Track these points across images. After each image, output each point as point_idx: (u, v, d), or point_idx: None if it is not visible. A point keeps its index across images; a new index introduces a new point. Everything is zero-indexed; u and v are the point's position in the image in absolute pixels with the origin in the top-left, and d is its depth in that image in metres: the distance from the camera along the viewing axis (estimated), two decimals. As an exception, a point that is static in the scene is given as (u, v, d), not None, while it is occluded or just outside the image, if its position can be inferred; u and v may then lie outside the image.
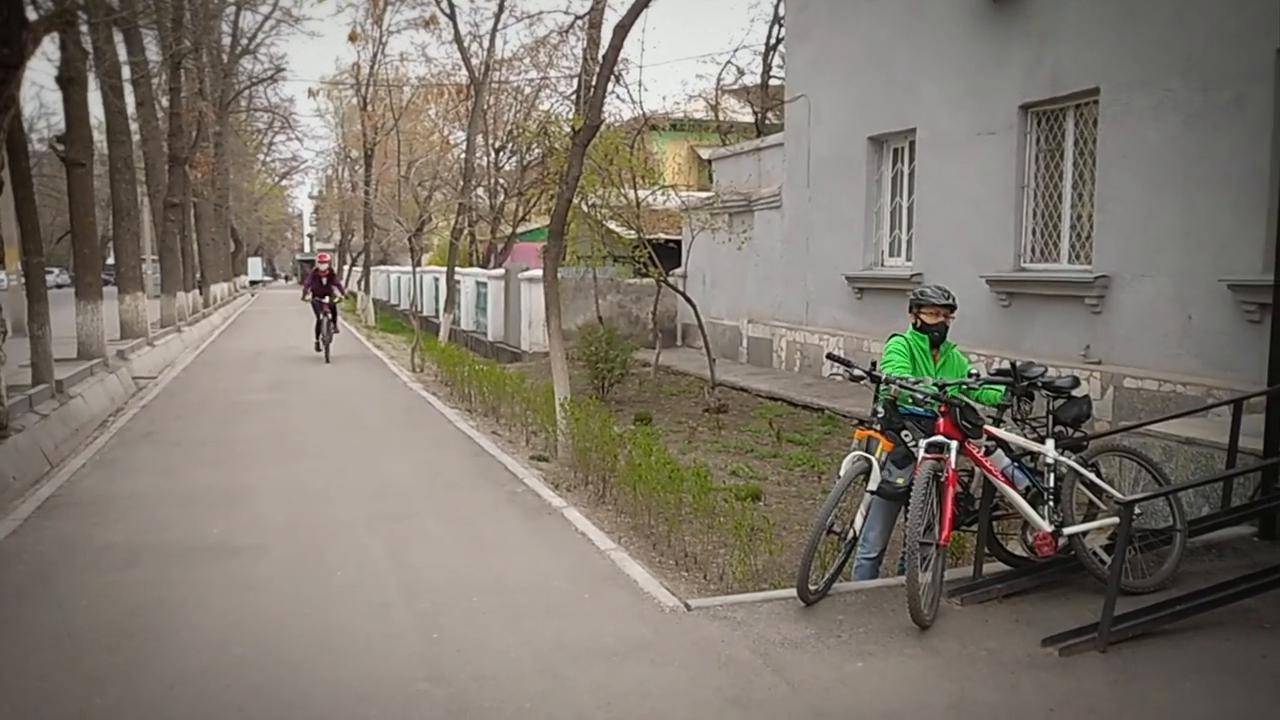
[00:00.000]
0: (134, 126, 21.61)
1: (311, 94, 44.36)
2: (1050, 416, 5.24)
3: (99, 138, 19.86)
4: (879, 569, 5.59)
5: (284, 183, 61.47)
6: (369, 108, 29.14)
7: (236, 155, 41.20)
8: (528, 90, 28.43)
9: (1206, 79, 8.44)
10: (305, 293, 19.42)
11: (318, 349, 18.73)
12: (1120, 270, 9.22)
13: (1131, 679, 4.18)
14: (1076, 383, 5.36)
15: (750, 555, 5.80)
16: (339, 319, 19.57)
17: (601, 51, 10.35)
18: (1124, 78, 9.21)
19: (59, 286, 32.30)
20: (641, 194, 15.03)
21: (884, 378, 5.17)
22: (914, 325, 5.53)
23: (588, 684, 4.23)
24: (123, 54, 19.20)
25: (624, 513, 7.32)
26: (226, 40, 32.12)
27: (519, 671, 4.37)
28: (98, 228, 17.19)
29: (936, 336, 5.46)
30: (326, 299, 18.75)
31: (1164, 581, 5.01)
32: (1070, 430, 5.24)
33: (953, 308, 5.45)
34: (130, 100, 20.72)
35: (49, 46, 14.48)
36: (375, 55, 27.83)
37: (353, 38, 26.23)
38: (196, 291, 30.15)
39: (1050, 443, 5.13)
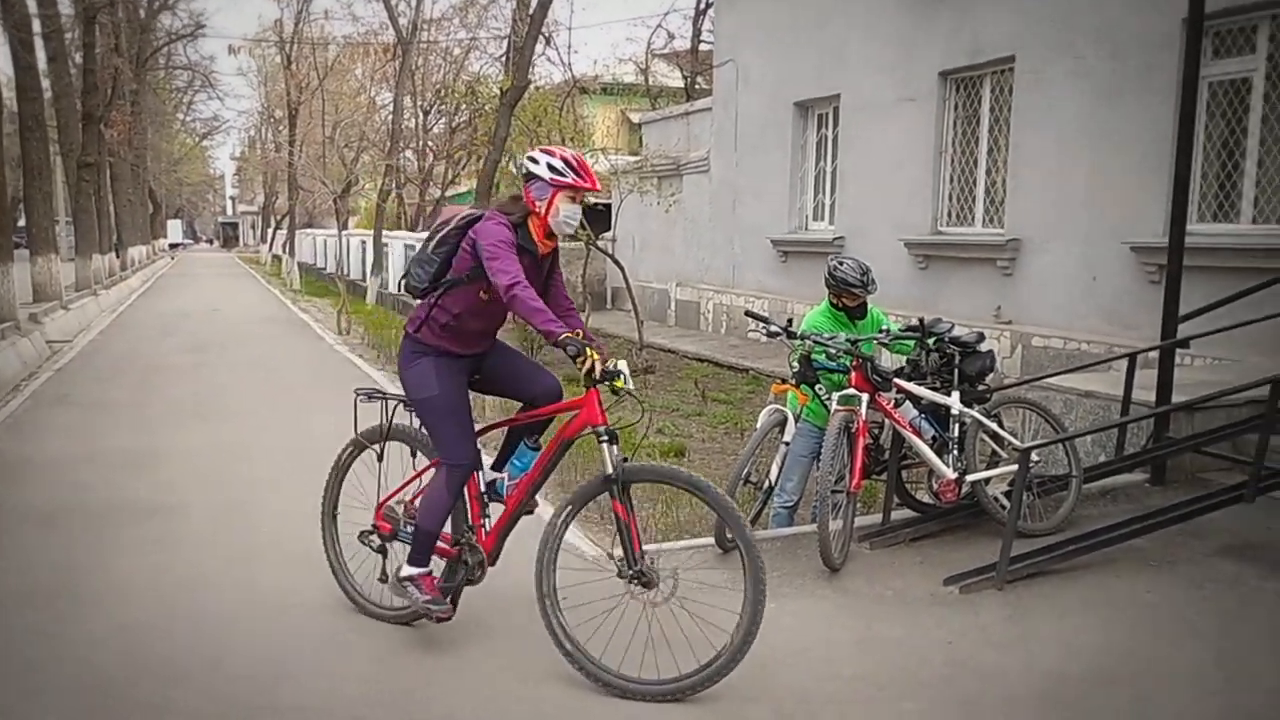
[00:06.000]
0: (46, 83, 20.80)
1: (232, 51, 43.09)
2: (956, 370, 5.46)
3: (8, 94, 19.12)
4: (794, 517, 5.80)
5: (205, 143, 59.80)
6: (293, 66, 28.48)
7: (155, 114, 39.94)
8: (457, 51, 28.07)
9: (1116, 48, 8.74)
10: None
11: None
12: (1030, 234, 9.55)
13: (1025, 614, 4.44)
14: (981, 338, 5.59)
15: (673, 508, 5.96)
16: None
17: (530, 11, 10.32)
18: (1039, 46, 9.49)
19: (-34, 249, 31.10)
20: (571, 157, 15.03)
21: (799, 334, 5.34)
22: (831, 303, 5.67)
23: (516, 631, 4.33)
24: (33, 7, 18.47)
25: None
26: (143, -6, 31.07)
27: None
28: (8, 188, 16.60)
29: (856, 313, 5.64)
30: None
31: (1060, 524, 5.30)
32: (974, 383, 5.47)
33: (871, 289, 5.58)
34: (42, 55, 19.94)
35: (-48, -4, 13.89)
36: (300, 12, 27.21)
37: (275, -7, 25.58)
38: (113, 254, 29.27)
39: (956, 395, 5.35)
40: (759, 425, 5.40)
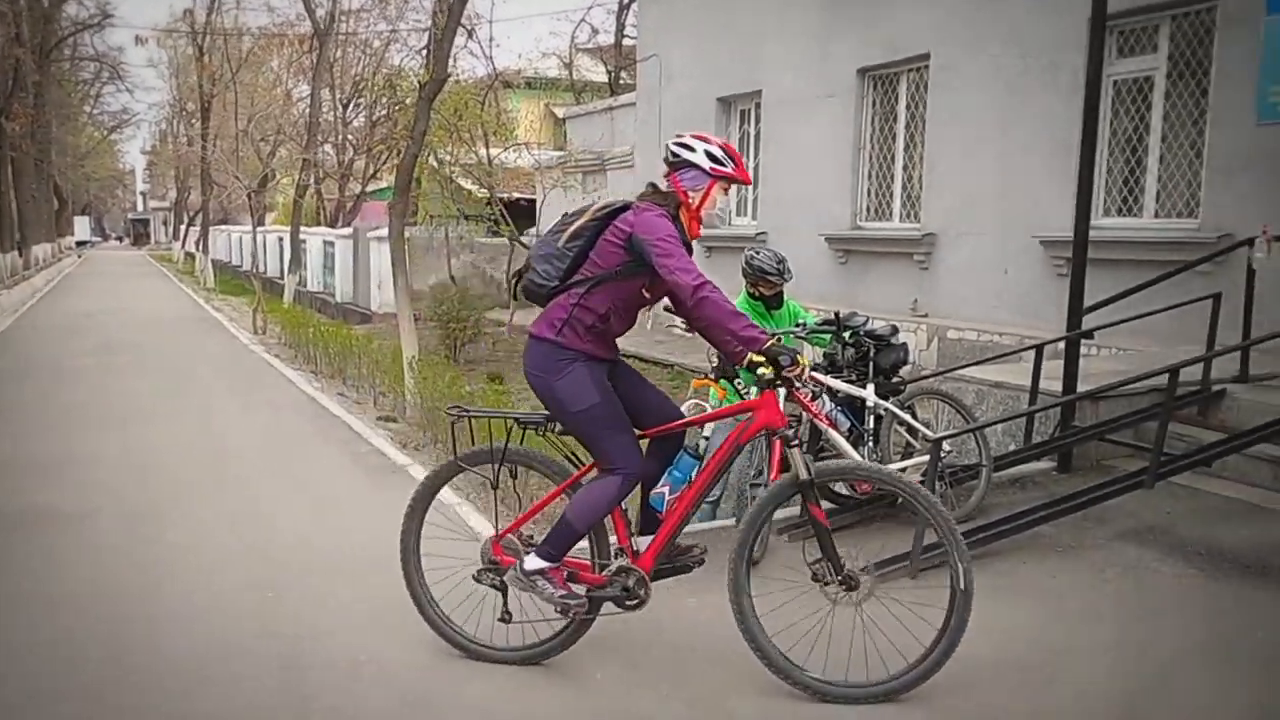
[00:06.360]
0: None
1: (140, 42, 41.61)
2: (871, 363, 5.54)
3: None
4: (716, 512, 5.83)
5: (113, 137, 57.68)
6: (206, 58, 27.69)
7: (60, 107, 38.46)
8: (376, 44, 27.62)
9: (1025, 46, 8.96)
10: None
11: None
12: (946, 228, 9.75)
13: (937, 600, 4.51)
14: (895, 331, 5.69)
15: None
16: None
17: (449, 3, 10.19)
18: (952, 44, 9.68)
19: None
20: (494, 151, 14.92)
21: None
22: (749, 293, 5.73)
23: (427, 635, 4.27)
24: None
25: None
26: (45, -18, 29.90)
27: (355, 624, 4.38)
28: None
29: (773, 303, 5.70)
30: None
31: (971, 513, 5.40)
32: (889, 375, 5.56)
33: (786, 277, 5.66)
34: (-67, 44, 19.10)
35: None
36: (212, 1, 26.47)
37: (186, -18, 24.86)
38: (16, 252, 28.17)
39: (870, 387, 5.43)
40: (679, 420, 5.41)
